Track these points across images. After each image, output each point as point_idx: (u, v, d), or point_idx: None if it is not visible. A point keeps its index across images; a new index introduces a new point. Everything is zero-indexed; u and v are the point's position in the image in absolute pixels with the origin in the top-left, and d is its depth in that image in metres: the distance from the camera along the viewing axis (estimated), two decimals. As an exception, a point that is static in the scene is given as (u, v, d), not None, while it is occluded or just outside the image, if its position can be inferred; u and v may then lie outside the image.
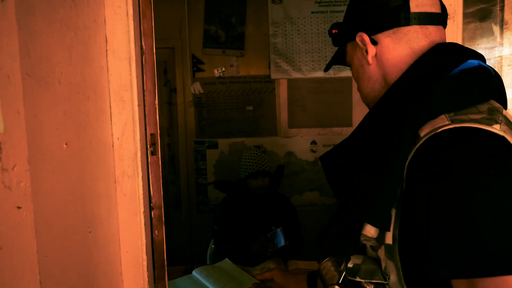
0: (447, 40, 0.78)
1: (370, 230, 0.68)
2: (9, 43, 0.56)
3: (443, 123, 0.62)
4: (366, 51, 0.77)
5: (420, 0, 0.73)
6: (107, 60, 0.92)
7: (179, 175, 3.21)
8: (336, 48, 0.90)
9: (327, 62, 1.07)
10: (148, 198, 1.01)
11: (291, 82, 3.06)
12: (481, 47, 1.79)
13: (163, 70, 3.19)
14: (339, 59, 0.89)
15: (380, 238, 0.68)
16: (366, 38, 0.76)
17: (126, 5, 0.92)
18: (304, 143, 3.09)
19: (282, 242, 2.08)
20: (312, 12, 2.98)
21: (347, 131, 3.06)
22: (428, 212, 0.59)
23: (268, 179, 2.31)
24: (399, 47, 0.74)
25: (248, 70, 3.08)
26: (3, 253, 0.54)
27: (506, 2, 1.76)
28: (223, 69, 3.08)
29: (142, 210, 0.97)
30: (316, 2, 2.97)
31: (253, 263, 1.96)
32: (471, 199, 0.55)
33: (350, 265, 0.73)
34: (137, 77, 0.95)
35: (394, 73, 0.75)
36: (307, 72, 3.02)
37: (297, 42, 3.00)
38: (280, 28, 3.00)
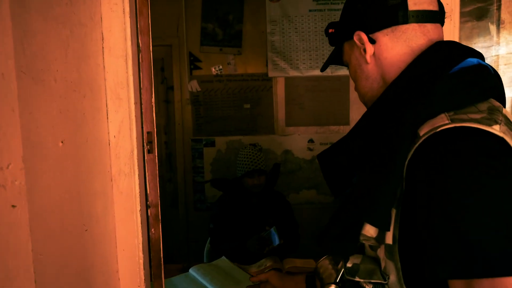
0: (444, 39, 0.78)
1: (369, 230, 0.68)
2: (3, 41, 0.55)
3: (443, 122, 0.61)
4: (364, 50, 0.77)
5: None
6: (103, 57, 0.91)
7: (176, 173, 3.21)
8: (333, 47, 0.90)
9: (325, 60, 1.06)
10: (145, 196, 1.01)
11: (289, 80, 3.06)
12: (477, 46, 1.80)
13: (160, 68, 3.17)
14: (336, 58, 0.88)
15: (380, 238, 0.67)
16: (364, 36, 0.76)
17: (123, 2, 0.91)
18: (301, 141, 3.09)
19: (276, 241, 2.09)
20: (310, 10, 2.98)
21: (344, 130, 3.06)
22: (428, 212, 0.58)
23: (264, 178, 2.31)
24: (398, 46, 0.74)
25: (245, 68, 3.08)
26: (-3, 252, 0.54)
27: (502, 2, 1.77)
28: (221, 67, 3.07)
29: (138, 208, 0.97)
30: (313, 0, 2.97)
31: (250, 261, 1.96)
32: (471, 200, 0.55)
33: (349, 264, 0.73)
34: (133, 75, 0.94)
35: (393, 72, 0.75)
36: (304, 70, 3.02)
37: (294, 40, 3.00)
38: (277, 26, 3.00)
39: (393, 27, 0.73)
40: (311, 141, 3.09)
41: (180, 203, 3.21)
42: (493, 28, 1.79)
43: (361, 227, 0.69)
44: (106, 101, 0.93)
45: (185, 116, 3.12)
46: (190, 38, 3.06)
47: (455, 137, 0.59)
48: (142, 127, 0.99)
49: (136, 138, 0.96)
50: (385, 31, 0.74)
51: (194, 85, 3.09)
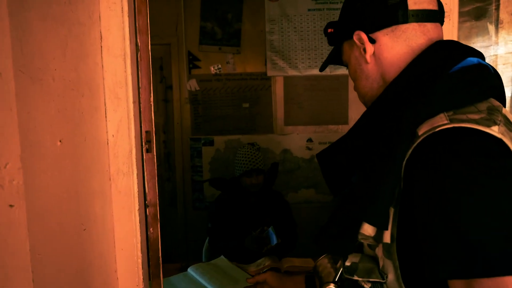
0: (443, 39, 0.78)
1: (368, 229, 0.68)
2: (1, 40, 0.55)
3: (442, 122, 0.61)
4: (364, 50, 0.77)
5: None
6: (102, 56, 0.91)
7: (174, 172, 3.21)
8: (331, 47, 0.90)
9: (324, 59, 1.06)
10: (143, 195, 1.01)
11: (288, 80, 3.06)
12: (476, 46, 1.80)
13: (159, 67, 3.17)
14: (335, 58, 0.88)
15: (378, 237, 0.67)
16: (364, 36, 0.75)
17: (121, 1, 0.91)
18: (300, 140, 3.09)
19: (274, 240, 2.10)
20: (309, 10, 2.98)
21: (343, 129, 3.06)
22: (427, 212, 0.58)
23: (262, 177, 2.31)
24: (398, 45, 0.74)
25: (244, 67, 3.07)
26: (-5, 251, 0.54)
27: (501, 1, 1.77)
28: (219, 66, 3.07)
29: (137, 207, 0.97)
30: (312, -1, 2.97)
31: (249, 260, 1.96)
32: (471, 200, 0.55)
33: (347, 263, 0.73)
34: (132, 74, 0.94)
35: (393, 72, 0.75)
36: (303, 69, 3.02)
37: (293, 39, 3.00)
38: (276, 25, 3.00)
39: (393, 27, 0.73)
40: (309, 140, 3.09)
41: (178, 202, 3.20)
42: (491, 28, 1.79)
43: (359, 226, 0.69)
44: (105, 100, 0.93)
45: (184, 115, 3.12)
46: (189, 37, 3.05)
47: (454, 138, 0.59)
48: (140, 126, 0.99)
49: (135, 137, 0.96)
50: (385, 30, 0.74)
51: (193, 84, 3.08)
